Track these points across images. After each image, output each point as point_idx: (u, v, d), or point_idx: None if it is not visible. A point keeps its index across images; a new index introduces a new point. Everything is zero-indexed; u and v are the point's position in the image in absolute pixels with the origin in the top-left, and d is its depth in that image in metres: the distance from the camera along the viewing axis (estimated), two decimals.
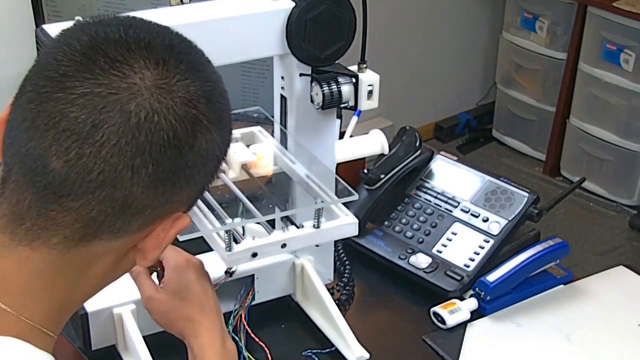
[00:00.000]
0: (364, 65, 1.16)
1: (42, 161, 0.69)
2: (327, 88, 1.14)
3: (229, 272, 1.17)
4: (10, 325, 0.72)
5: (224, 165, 1.15)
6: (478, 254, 1.37)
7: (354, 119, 1.39)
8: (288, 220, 1.12)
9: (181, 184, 0.73)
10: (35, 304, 0.73)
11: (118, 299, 1.17)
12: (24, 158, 0.70)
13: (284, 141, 1.22)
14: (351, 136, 1.39)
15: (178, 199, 0.74)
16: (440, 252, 1.39)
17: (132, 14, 1.05)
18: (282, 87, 1.19)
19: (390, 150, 1.42)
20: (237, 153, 1.18)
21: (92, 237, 0.72)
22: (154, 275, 1.09)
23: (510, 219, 1.40)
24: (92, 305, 1.16)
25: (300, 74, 1.15)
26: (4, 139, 0.73)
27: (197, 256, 1.23)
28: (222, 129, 0.76)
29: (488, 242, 1.38)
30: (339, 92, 1.14)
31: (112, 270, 0.78)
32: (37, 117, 0.69)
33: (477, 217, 1.41)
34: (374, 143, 1.28)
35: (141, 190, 0.70)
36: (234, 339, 1.18)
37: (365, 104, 1.16)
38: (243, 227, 1.10)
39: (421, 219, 1.44)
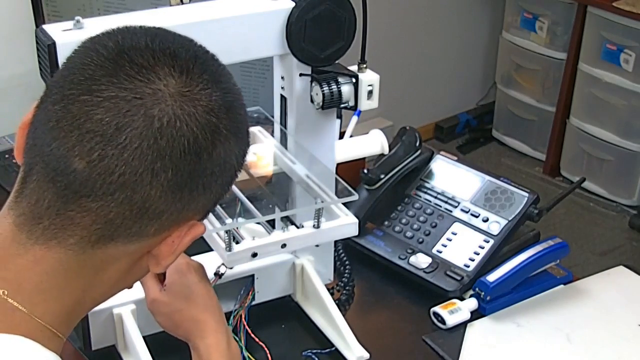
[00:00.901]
0: (364, 65, 1.16)
1: (64, 161, 0.70)
2: (327, 88, 1.14)
3: (218, 274, 1.16)
4: (21, 324, 0.72)
5: None
6: (478, 254, 1.37)
7: (354, 119, 1.39)
8: (288, 220, 1.11)
9: (198, 191, 0.74)
10: (48, 303, 0.74)
11: (118, 299, 1.16)
12: (46, 158, 0.71)
13: (284, 141, 1.22)
14: (351, 136, 1.39)
15: (195, 206, 0.76)
16: (440, 252, 1.39)
17: (132, 14, 1.06)
18: (282, 87, 1.19)
19: (390, 150, 1.42)
20: None
21: (108, 240, 0.73)
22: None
23: (510, 219, 1.40)
24: None
25: (300, 74, 1.15)
26: (27, 140, 0.75)
27: (196, 257, 1.23)
28: (241, 140, 0.78)
29: (488, 242, 1.38)
30: (339, 92, 1.14)
31: (125, 275, 0.78)
32: (62, 118, 0.70)
33: (477, 217, 1.41)
34: (374, 143, 1.28)
35: (159, 194, 0.72)
36: (234, 338, 1.18)
37: (365, 104, 1.16)
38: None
39: (421, 219, 1.44)
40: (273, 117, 1.24)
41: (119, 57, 0.72)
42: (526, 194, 1.42)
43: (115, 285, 0.79)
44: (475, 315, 1.31)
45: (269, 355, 1.19)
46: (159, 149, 0.70)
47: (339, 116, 1.28)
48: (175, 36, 0.77)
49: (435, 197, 1.46)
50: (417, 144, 1.48)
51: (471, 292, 1.33)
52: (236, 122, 0.76)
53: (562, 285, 1.40)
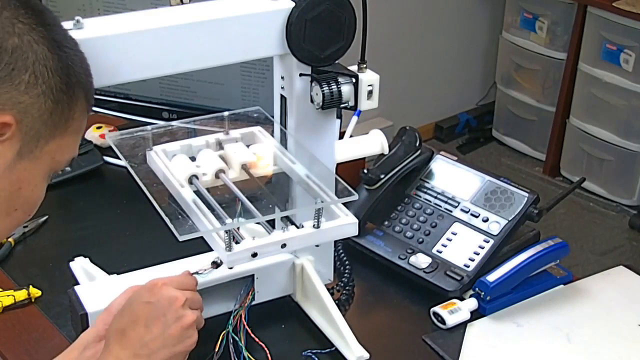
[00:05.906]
0: (364, 65, 1.16)
1: None
2: (327, 88, 1.14)
3: (215, 263, 1.15)
4: None
5: (223, 165, 1.16)
6: (478, 254, 1.37)
7: (354, 119, 1.39)
8: (288, 220, 1.11)
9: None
10: None
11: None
12: None
13: (284, 141, 1.22)
14: (351, 136, 1.39)
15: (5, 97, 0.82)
16: (440, 252, 1.39)
17: (132, 14, 1.06)
18: (282, 87, 1.19)
19: (390, 150, 1.42)
20: (237, 153, 1.18)
21: None
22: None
23: (510, 219, 1.40)
24: (92, 305, 1.16)
25: (300, 74, 1.15)
26: None
27: (196, 257, 1.23)
28: (36, 29, 0.83)
29: (488, 242, 1.38)
30: (339, 92, 1.14)
31: None
32: None
33: (477, 217, 1.41)
34: (374, 143, 1.28)
35: None
36: (233, 339, 1.18)
37: (365, 104, 1.16)
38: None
39: (421, 219, 1.44)
40: (273, 117, 1.24)
41: None
42: (526, 194, 1.42)
43: None
44: (475, 315, 1.31)
45: (269, 355, 1.19)
46: None
47: (339, 116, 1.28)
48: None
49: (435, 197, 1.46)
50: (417, 144, 1.48)
51: (471, 292, 1.33)
52: (36, 12, 0.83)
53: (562, 285, 1.40)
